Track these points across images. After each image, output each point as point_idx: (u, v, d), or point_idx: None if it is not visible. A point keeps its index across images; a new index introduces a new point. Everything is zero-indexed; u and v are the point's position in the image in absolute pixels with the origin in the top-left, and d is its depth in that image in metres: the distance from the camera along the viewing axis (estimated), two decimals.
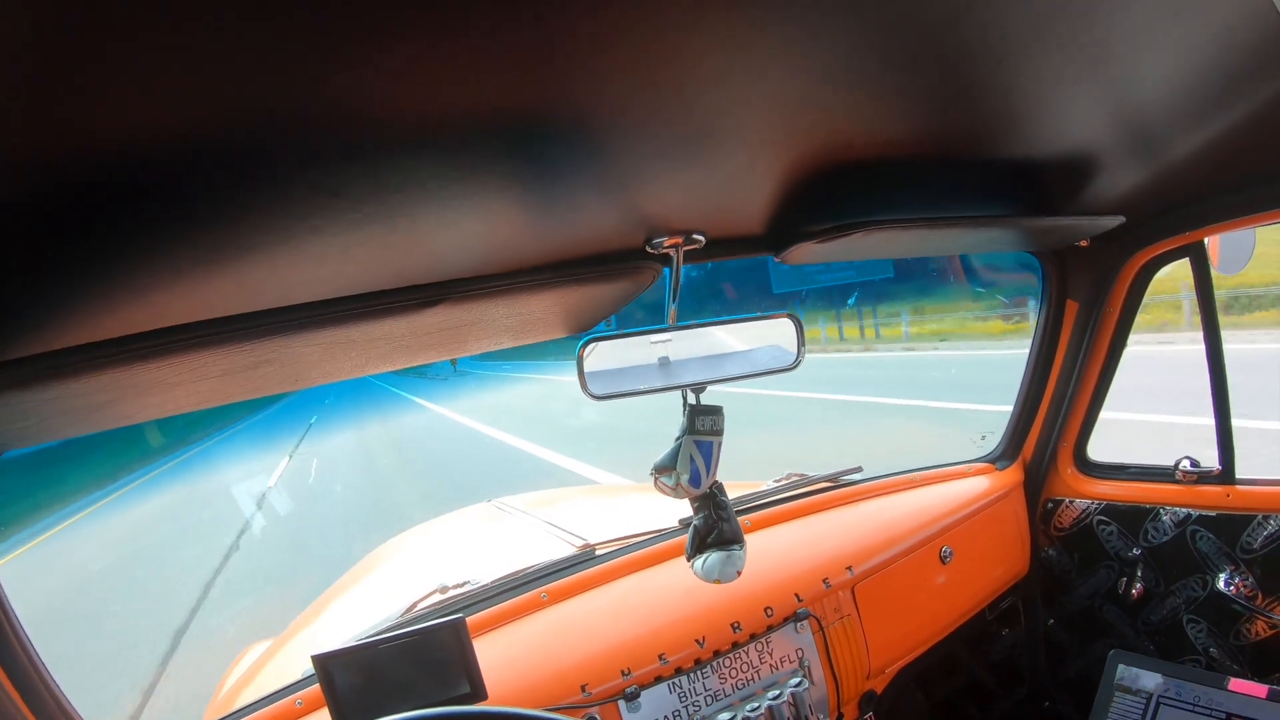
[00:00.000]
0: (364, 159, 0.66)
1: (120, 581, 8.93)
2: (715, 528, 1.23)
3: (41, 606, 7.74)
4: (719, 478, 1.23)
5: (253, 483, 14.23)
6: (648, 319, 1.24)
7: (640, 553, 1.51)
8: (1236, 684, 1.45)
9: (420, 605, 1.44)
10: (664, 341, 1.19)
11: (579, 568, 1.46)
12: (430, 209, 0.81)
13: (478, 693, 1.21)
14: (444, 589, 1.46)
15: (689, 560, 1.25)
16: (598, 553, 1.52)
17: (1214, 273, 1.62)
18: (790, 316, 1.22)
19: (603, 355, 1.17)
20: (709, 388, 1.20)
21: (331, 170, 0.66)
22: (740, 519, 1.56)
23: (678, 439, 1.19)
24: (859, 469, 1.87)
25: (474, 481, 9.58)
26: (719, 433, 1.19)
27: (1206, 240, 1.60)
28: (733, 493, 1.64)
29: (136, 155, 0.54)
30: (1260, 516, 1.58)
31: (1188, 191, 1.48)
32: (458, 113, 0.64)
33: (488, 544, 2.20)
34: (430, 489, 9.99)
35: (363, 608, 1.94)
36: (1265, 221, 1.48)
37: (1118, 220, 1.50)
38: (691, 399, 1.19)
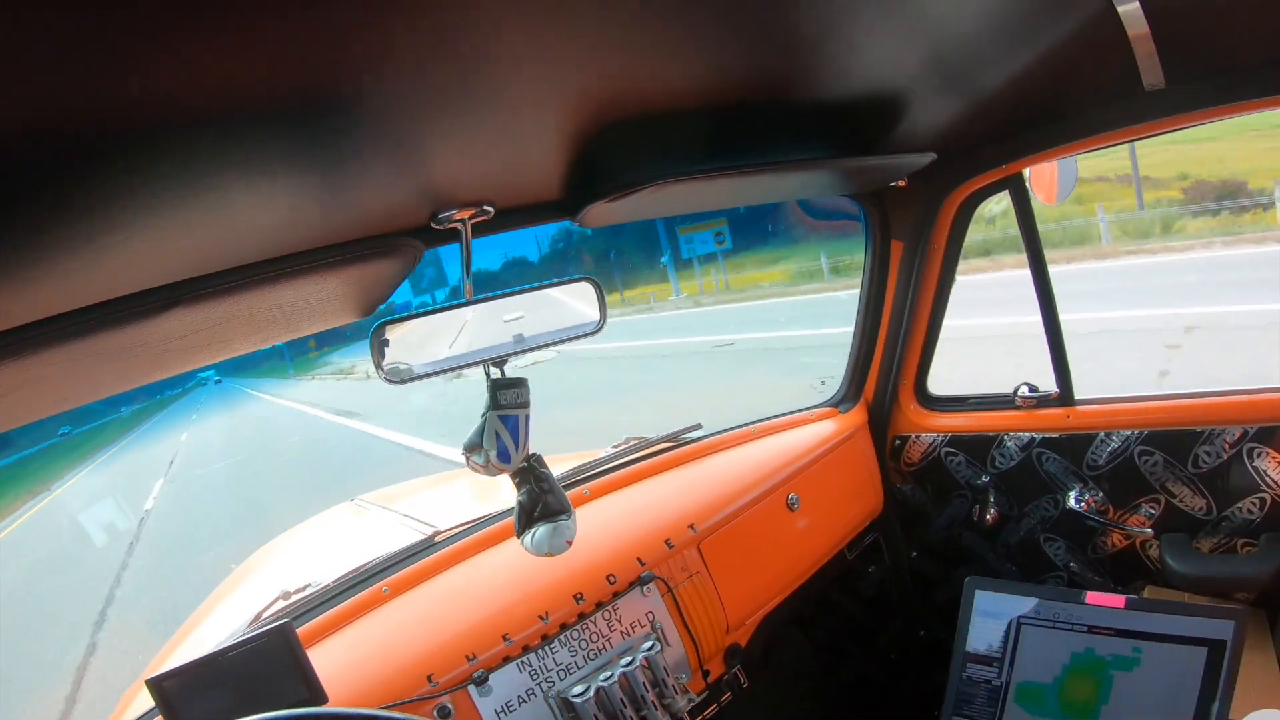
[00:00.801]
0: (93, 159, 0.61)
1: None
2: (540, 501, 1.21)
3: None
4: (535, 449, 1.21)
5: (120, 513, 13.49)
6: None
7: (480, 534, 1.48)
8: (1094, 596, 1.50)
9: (265, 615, 1.39)
10: (462, 316, 1.16)
11: (419, 557, 1.43)
12: (176, 205, 0.76)
13: (316, 696, 1.18)
14: (286, 595, 1.42)
15: (518, 536, 1.23)
16: (437, 540, 1.49)
17: (1036, 203, 1.66)
18: (589, 280, 1.20)
19: (397, 337, 1.13)
20: (512, 360, 1.18)
21: (64, 174, 0.61)
22: (579, 489, 1.55)
23: (482, 415, 1.16)
24: (698, 426, 1.88)
25: None
26: (524, 405, 1.17)
27: (1027, 172, 1.64)
28: (570, 464, 1.63)
29: None
30: (1102, 434, 1.64)
31: (999, 126, 1.51)
32: (229, 95, 0.60)
33: (344, 543, 2.16)
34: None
35: (220, 626, 1.88)
36: (1074, 151, 1.52)
37: (930, 157, 1.52)
38: (494, 373, 1.17)
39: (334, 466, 11.12)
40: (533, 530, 1.19)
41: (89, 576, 9.00)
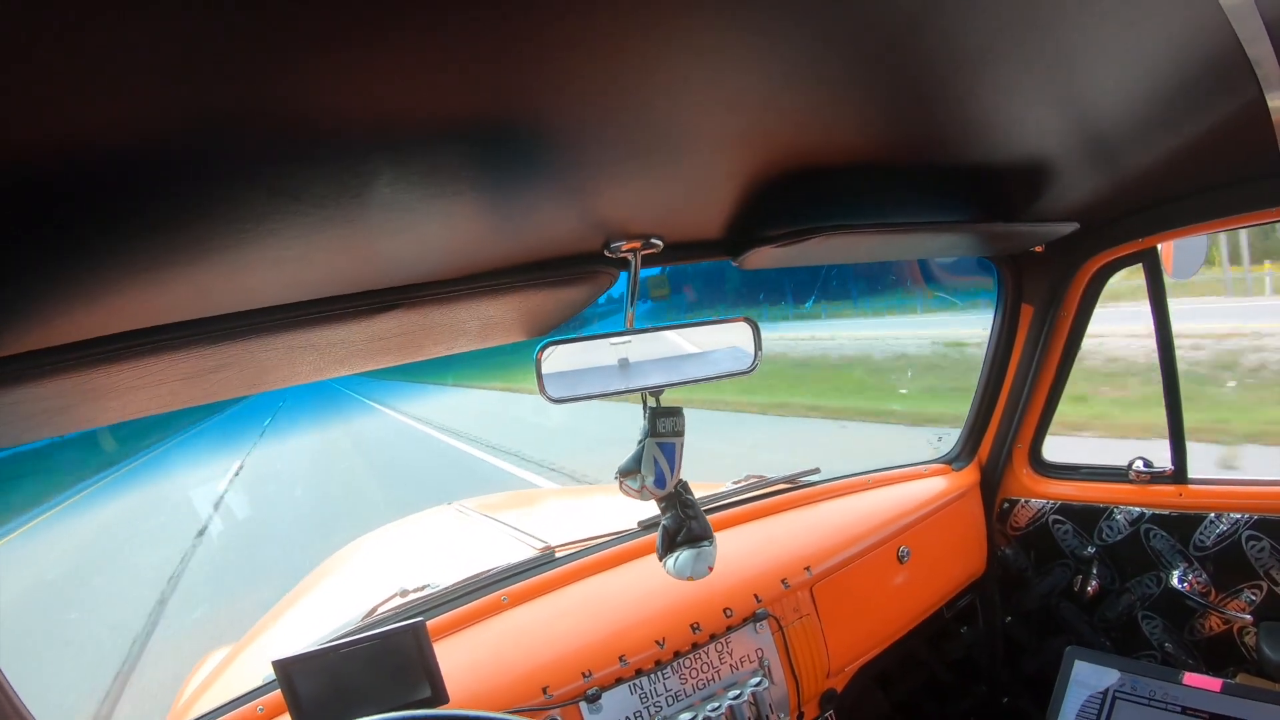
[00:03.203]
0: (322, 162, 0.66)
1: (77, 588, 8.77)
2: (684, 526, 1.24)
3: None
4: (683, 477, 1.24)
5: (208, 488, 14.07)
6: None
7: (599, 555, 1.51)
8: (1191, 678, 1.48)
9: (380, 609, 1.43)
10: (622, 344, 1.19)
11: (539, 570, 1.46)
12: (388, 213, 0.81)
13: (439, 696, 1.21)
14: (404, 592, 1.46)
15: (660, 560, 1.26)
16: (557, 555, 1.52)
17: (1167, 279, 1.66)
18: (748, 320, 1.23)
19: (561, 358, 1.17)
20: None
21: (288, 173, 0.66)
22: None
23: (640, 442, 1.20)
24: (817, 470, 1.89)
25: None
26: (680, 434, 1.20)
27: (1160, 246, 1.64)
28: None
29: (88, 157, 0.54)
30: (1212, 515, 1.62)
31: (1141, 199, 1.52)
32: (416, 117, 0.64)
33: (448, 547, 2.19)
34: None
35: (322, 613, 1.92)
36: (1215, 229, 1.52)
37: (1072, 227, 1.53)
38: (652, 402, 1.20)
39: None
40: (676, 554, 1.22)
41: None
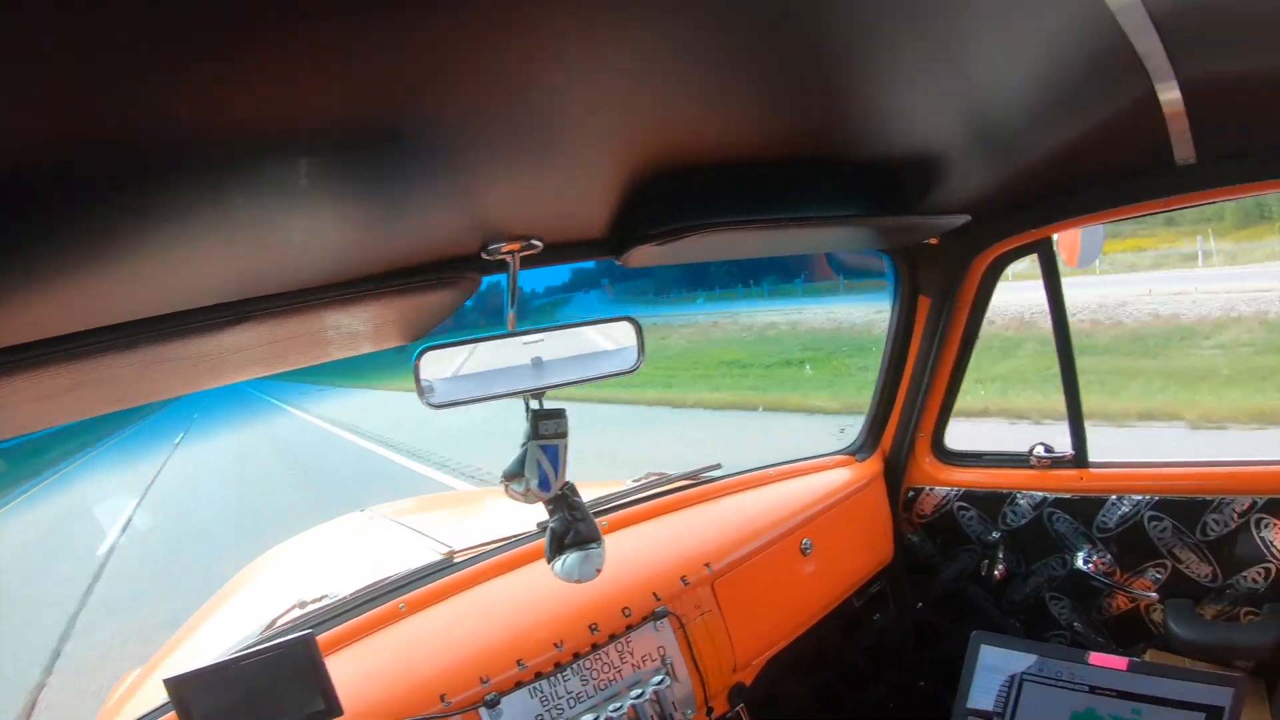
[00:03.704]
0: (172, 179, 0.64)
1: None
2: (571, 528, 1.23)
3: None
4: (570, 478, 1.23)
5: (119, 501, 13.60)
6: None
7: (498, 558, 1.50)
8: (1097, 658, 1.51)
9: (280, 622, 1.40)
10: (504, 347, 1.18)
11: (436, 576, 1.44)
12: (243, 227, 0.79)
13: (332, 709, 1.20)
14: (302, 604, 1.43)
15: (549, 562, 1.25)
16: (456, 560, 1.50)
17: (1062, 267, 1.69)
18: (630, 320, 1.23)
19: (439, 363, 1.16)
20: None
21: (139, 190, 0.63)
22: (598, 520, 1.57)
23: (523, 445, 1.19)
24: (718, 466, 1.90)
25: None
26: (563, 435, 1.19)
27: (1056, 237, 1.67)
28: (590, 494, 1.64)
29: None
30: (1114, 498, 1.66)
31: (1033, 191, 1.54)
32: (268, 130, 0.62)
33: (356, 555, 2.17)
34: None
35: (228, 628, 1.88)
36: (1108, 219, 1.56)
37: (964, 219, 1.55)
38: (534, 404, 1.19)
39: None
40: (564, 557, 1.21)
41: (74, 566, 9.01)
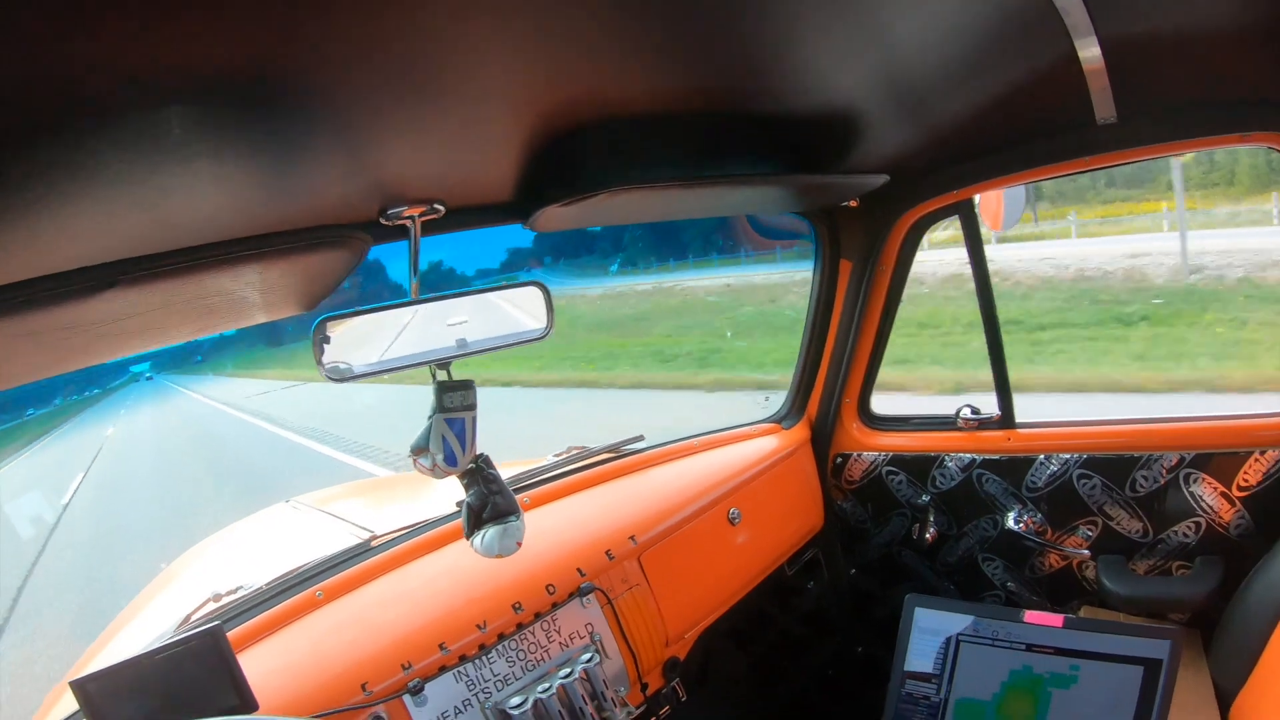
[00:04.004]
0: (21, 134, 0.59)
1: None
2: (488, 502, 1.20)
3: None
4: (484, 450, 1.20)
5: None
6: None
7: (419, 539, 1.46)
8: (1032, 615, 1.53)
9: (194, 617, 1.34)
10: (407, 315, 1.15)
11: (354, 561, 1.39)
12: (108, 185, 0.74)
13: (246, 704, 1.14)
14: (217, 597, 1.37)
15: (467, 538, 1.22)
16: (374, 544, 1.46)
17: (984, 229, 1.71)
18: (538, 285, 1.20)
19: (340, 334, 1.11)
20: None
21: None
22: (520, 497, 1.53)
23: (429, 418, 1.15)
24: (641, 438, 1.88)
25: None
26: (471, 407, 1.16)
27: (978, 198, 1.69)
28: (511, 470, 1.61)
29: None
30: (1041, 457, 1.68)
31: (953, 151, 1.55)
32: (133, 78, 0.58)
33: (278, 546, 2.10)
34: None
35: (147, 627, 1.81)
36: (1029, 179, 1.58)
37: (883, 179, 1.56)
38: (440, 375, 1.16)
39: (261, 469, 10.93)
40: (482, 532, 1.18)
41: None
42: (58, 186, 0.69)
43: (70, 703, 1.54)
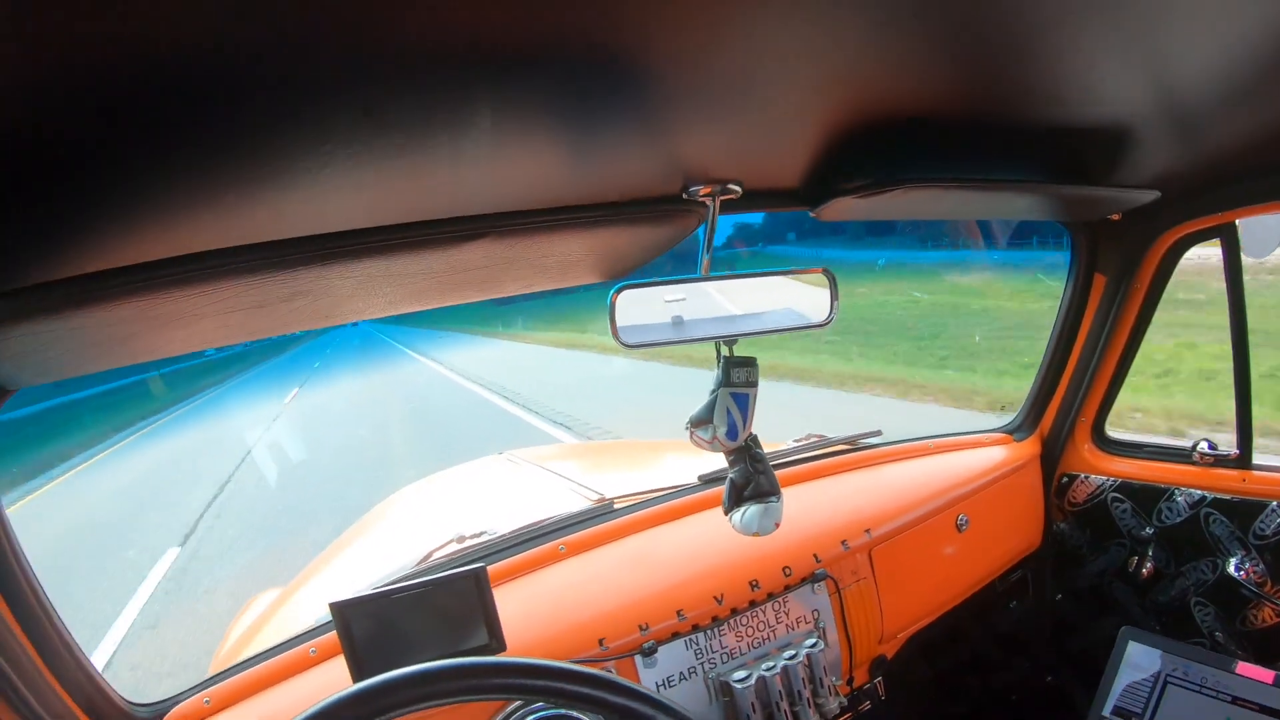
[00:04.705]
0: (414, 86, 0.63)
1: (130, 528, 8.95)
2: (752, 480, 1.21)
3: (49, 550, 7.83)
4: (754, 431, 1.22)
5: (252, 433, 14.61)
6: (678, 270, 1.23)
7: (659, 508, 1.50)
8: (1244, 668, 1.46)
9: (436, 555, 1.43)
10: (697, 291, 1.17)
11: (597, 521, 1.45)
12: (476, 141, 0.79)
13: (497, 643, 1.21)
14: (461, 538, 1.45)
15: (726, 514, 1.24)
16: (615, 507, 1.51)
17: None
18: (825, 272, 1.20)
19: (634, 303, 1.15)
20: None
21: (379, 95, 0.63)
22: None
23: (713, 392, 1.18)
24: (879, 432, 1.87)
25: None
26: (754, 385, 1.17)
27: (1239, 222, 1.59)
28: None
29: (164, 68, 0.51)
30: (1275, 504, 1.58)
31: (1224, 172, 1.47)
32: (509, 42, 0.61)
33: (500, 496, 2.19)
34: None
35: (374, 558, 1.92)
36: None
37: (1153, 195, 1.49)
38: (726, 351, 1.18)
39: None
40: (743, 509, 1.20)
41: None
42: (419, 135, 0.73)
43: (288, 618, 1.68)
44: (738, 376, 1.16)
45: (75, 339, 0.89)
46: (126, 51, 0.49)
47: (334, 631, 1.21)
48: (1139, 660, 1.57)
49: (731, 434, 1.16)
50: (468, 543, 1.44)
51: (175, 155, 0.65)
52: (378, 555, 1.94)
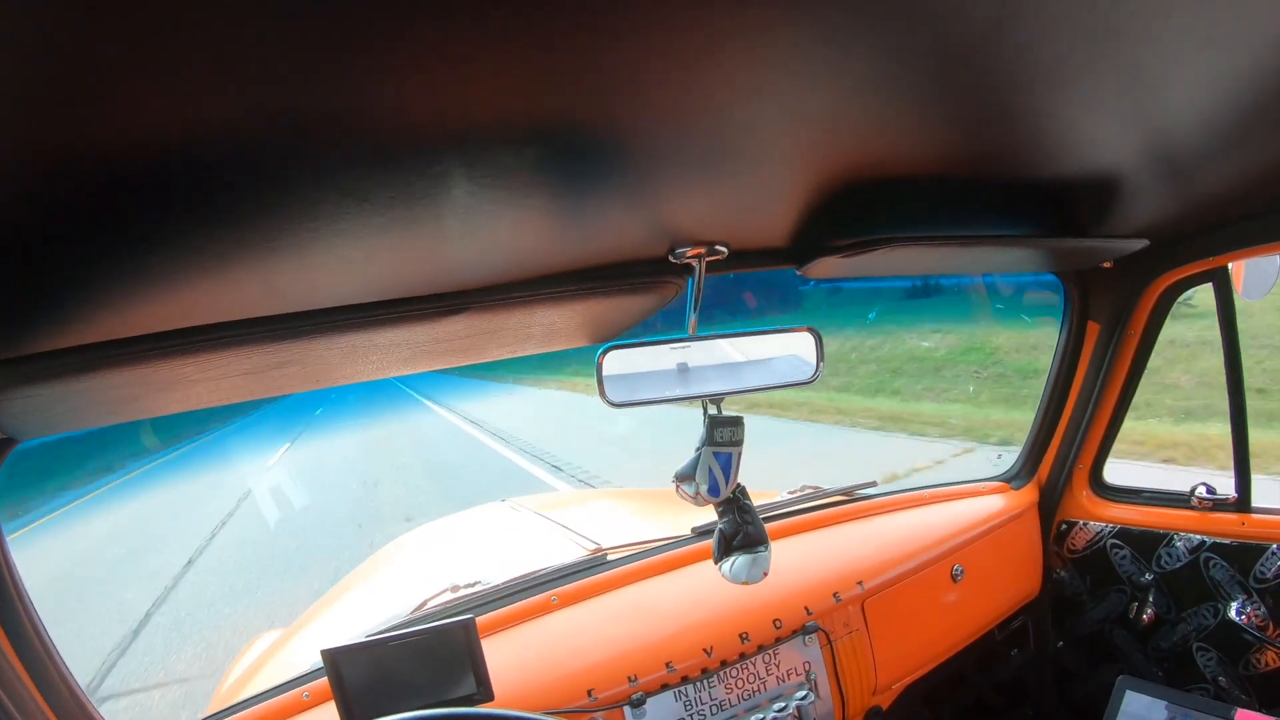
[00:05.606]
0: (393, 165, 0.66)
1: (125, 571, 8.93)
2: (740, 530, 1.23)
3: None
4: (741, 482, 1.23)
5: (248, 479, 14.37)
6: (667, 327, 1.25)
7: (651, 559, 1.51)
8: (1243, 715, 1.44)
9: (431, 603, 1.44)
10: (684, 351, 1.19)
11: (589, 572, 1.46)
12: (457, 216, 0.82)
13: (485, 693, 1.22)
14: (455, 588, 1.47)
15: (716, 564, 1.25)
16: (609, 558, 1.52)
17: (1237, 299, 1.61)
18: (810, 330, 1.22)
19: (622, 363, 1.17)
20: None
21: (360, 175, 0.66)
22: None
23: (698, 449, 1.19)
24: (873, 483, 1.87)
25: None
26: (738, 443, 1.19)
27: (1230, 266, 1.59)
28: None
29: (164, 153, 0.55)
30: (1275, 546, 1.57)
31: (1212, 217, 1.47)
32: (489, 120, 0.64)
33: (499, 544, 2.20)
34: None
35: (372, 604, 1.94)
36: None
37: (1142, 243, 1.49)
38: (711, 410, 1.19)
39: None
40: (732, 559, 1.21)
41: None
42: (402, 215, 0.76)
43: (287, 661, 1.70)
44: (721, 435, 1.17)
45: (81, 399, 0.93)
46: (134, 147, 0.53)
47: (325, 678, 1.22)
48: (1137, 709, 1.55)
49: (713, 491, 1.18)
50: (461, 592, 1.46)
51: (174, 235, 0.68)
52: (376, 601, 1.96)
